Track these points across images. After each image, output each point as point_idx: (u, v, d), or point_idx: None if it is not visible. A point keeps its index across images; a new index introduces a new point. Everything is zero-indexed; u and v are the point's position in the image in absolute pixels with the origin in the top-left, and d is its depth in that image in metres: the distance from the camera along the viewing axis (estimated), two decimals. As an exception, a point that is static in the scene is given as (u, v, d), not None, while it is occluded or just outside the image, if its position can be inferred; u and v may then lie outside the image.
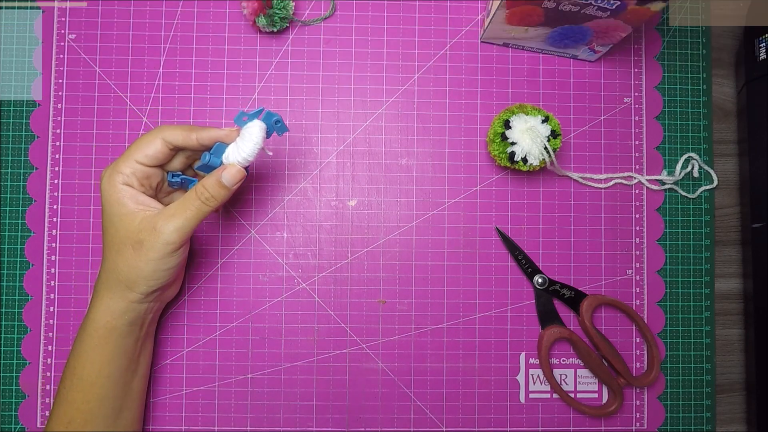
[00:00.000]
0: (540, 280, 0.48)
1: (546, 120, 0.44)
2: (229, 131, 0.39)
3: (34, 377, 0.47)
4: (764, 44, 0.48)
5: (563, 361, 0.49)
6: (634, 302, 0.49)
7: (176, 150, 0.40)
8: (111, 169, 0.39)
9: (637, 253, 0.50)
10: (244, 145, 0.38)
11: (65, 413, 0.39)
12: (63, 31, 0.49)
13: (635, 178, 0.50)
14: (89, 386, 0.39)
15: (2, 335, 0.47)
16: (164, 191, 0.43)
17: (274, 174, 0.49)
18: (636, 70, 0.51)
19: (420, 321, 0.48)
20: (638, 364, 0.49)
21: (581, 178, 0.49)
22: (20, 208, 0.48)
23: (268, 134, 0.40)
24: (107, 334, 0.39)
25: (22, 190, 0.48)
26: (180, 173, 0.42)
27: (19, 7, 0.49)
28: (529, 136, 0.44)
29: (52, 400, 0.47)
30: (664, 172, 0.50)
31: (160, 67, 0.49)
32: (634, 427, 0.49)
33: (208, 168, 0.40)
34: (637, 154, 0.50)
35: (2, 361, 0.47)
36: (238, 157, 0.39)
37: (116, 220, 0.38)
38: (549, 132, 0.44)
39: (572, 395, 0.48)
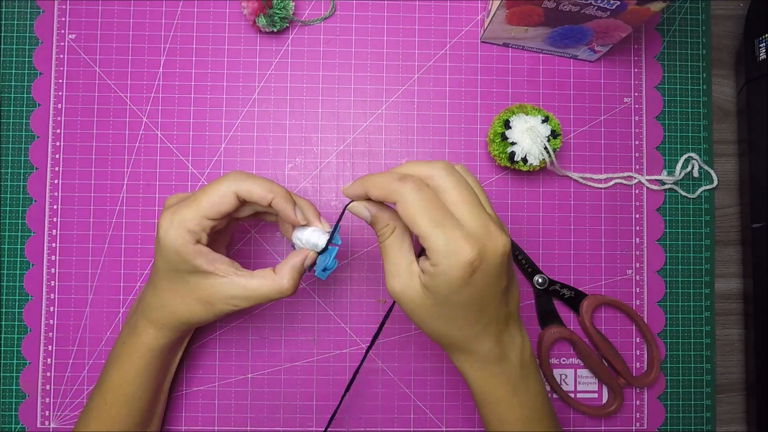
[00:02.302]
0: (540, 280, 0.48)
1: (546, 120, 0.44)
2: (298, 220, 0.37)
3: (34, 377, 0.47)
4: (764, 44, 0.48)
5: (563, 361, 0.49)
6: (634, 302, 0.49)
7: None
8: (178, 223, 0.35)
9: (637, 253, 0.50)
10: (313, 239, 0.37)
11: (107, 427, 0.40)
12: (63, 31, 0.49)
13: (635, 178, 0.50)
14: (135, 401, 0.40)
15: (2, 335, 0.47)
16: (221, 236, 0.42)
17: (275, 174, 0.49)
18: (636, 70, 0.51)
19: (420, 321, 0.48)
20: (638, 364, 0.49)
21: (581, 178, 0.49)
22: (20, 208, 0.48)
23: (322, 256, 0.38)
24: (159, 355, 0.40)
25: (22, 190, 0.48)
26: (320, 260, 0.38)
27: (19, 7, 0.49)
28: (529, 136, 0.44)
29: (52, 400, 0.47)
30: (664, 172, 0.50)
31: (160, 67, 0.49)
32: (634, 427, 0.49)
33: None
34: (637, 154, 0.50)
35: (2, 361, 0.47)
36: (308, 245, 0.38)
37: (186, 277, 0.37)
38: (549, 132, 0.44)
39: (572, 395, 0.48)
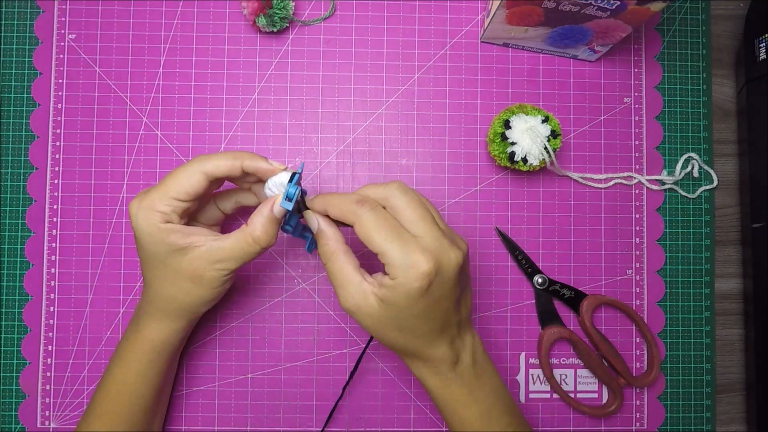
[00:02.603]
0: (540, 280, 0.48)
1: (546, 120, 0.44)
2: (275, 167, 0.37)
3: (34, 377, 0.47)
4: (764, 44, 0.48)
5: (563, 361, 0.49)
6: (634, 302, 0.49)
7: (217, 182, 0.38)
8: (146, 205, 0.35)
9: (637, 253, 0.50)
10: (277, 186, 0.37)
11: (111, 426, 0.40)
12: (63, 31, 0.49)
13: (635, 178, 0.50)
14: (138, 399, 0.41)
15: (2, 335, 0.47)
16: (205, 217, 0.41)
17: (274, 174, 0.49)
18: (636, 70, 0.51)
19: (420, 321, 0.48)
20: (638, 364, 0.49)
21: (581, 178, 0.49)
22: (20, 208, 0.48)
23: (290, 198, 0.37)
24: (163, 349, 0.41)
25: (22, 190, 0.48)
26: (293, 222, 0.39)
27: (19, 7, 0.49)
28: (529, 136, 0.44)
29: (52, 400, 0.47)
30: (664, 172, 0.50)
31: (160, 67, 0.49)
32: (634, 427, 0.49)
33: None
34: (637, 154, 0.50)
35: (2, 361, 0.47)
36: (282, 186, 0.37)
37: (167, 259, 0.36)
38: (549, 132, 0.44)
39: (572, 395, 0.48)
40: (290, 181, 0.36)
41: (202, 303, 0.39)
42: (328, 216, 0.37)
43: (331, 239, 0.36)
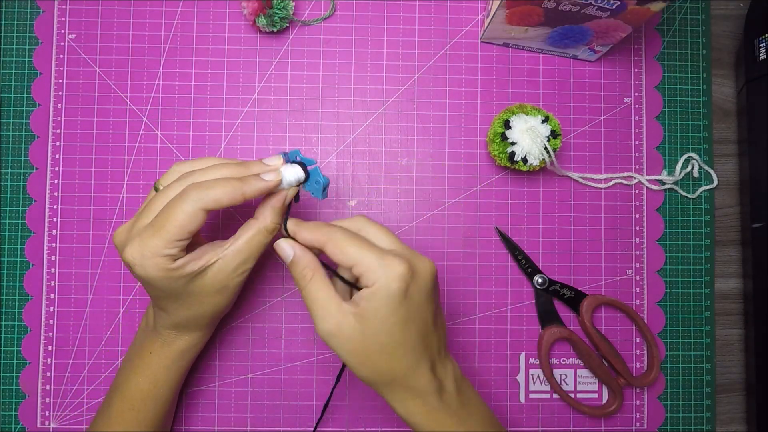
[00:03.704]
0: (540, 280, 0.48)
1: (546, 120, 0.44)
2: (274, 182, 0.36)
3: (34, 377, 0.47)
4: (764, 44, 0.48)
5: (563, 361, 0.49)
6: (634, 302, 0.49)
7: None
8: (151, 253, 0.34)
9: (637, 253, 0.50)
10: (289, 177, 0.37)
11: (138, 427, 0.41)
12: (63, 31, 0.49)
13: (635, 178, 0.50)
14: (163, 404, 0.41)
15: (2, 335, 0.47)
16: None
17: (274, 174, 0.49)
18: (636, 70, 0.51)
19: (420, 321, 0.48)
20: (638, 364, 0.49)
21: (581, 178, 0.49)
22: (20, 208, 0.48)
23: (306, 185, 0.38)
24: (190, 356, 0.42)
25: (22, 190, 0.48)
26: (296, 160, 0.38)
27: (19, 7, 0.49)
28: (529, 136, 0.44)
29: (52, 400, 0.47)
30: (664, 172, 0.50)
31: (160, 67, 0.49)
32: (634, 427, 0.49)
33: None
34: (637, 154, 0.50)
35: (2, 361, 0.47)
36: (291, 184, 0.37)
37: (188, 288, 0.36)
38: (549, 132, 0.44)
39: (572, 395, 0.48)
40: (306, 178, 0.37)
41: (228, 306, 0.40)
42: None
43: (308, 264, 0.35)
